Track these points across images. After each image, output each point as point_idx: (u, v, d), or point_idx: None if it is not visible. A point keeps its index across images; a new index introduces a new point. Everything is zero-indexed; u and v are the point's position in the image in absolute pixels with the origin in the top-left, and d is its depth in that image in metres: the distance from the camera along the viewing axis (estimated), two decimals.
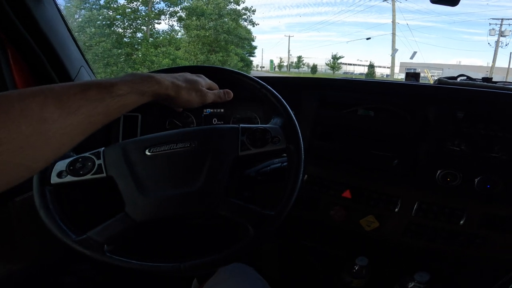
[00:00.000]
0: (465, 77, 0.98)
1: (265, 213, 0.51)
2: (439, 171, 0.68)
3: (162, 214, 0.53)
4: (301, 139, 0.54)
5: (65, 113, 0.32)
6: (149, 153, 0.53)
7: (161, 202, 0.53)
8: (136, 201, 0.53)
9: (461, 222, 0.66)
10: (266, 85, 0.57)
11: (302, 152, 0.53)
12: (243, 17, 12.66)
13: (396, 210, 0.71)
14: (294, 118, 0.55)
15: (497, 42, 15.77)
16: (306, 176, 0.80)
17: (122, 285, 1.00)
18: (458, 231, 0.67)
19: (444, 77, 0.93)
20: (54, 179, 0.53)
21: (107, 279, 1.00)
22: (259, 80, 0.58)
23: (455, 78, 0.97)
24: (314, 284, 1.00)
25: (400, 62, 23.21)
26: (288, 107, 0.55)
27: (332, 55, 22.13)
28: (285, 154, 0.56)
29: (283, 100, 0.56)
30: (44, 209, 0.51)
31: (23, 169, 0.30)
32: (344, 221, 0.74)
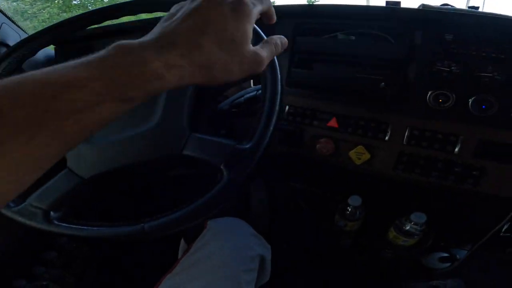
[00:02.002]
0: (449, 6, 0.89)
1: (239, 148, 0.43)
2: (429, 92, 0.60)
3: (113, 165, 0.44)
4: (277, 61, 0.45)
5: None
6: None
7: (110, 150, 0.44)
8: (79, 151, 0.44)
9: (456, 149, 0.60)
10: None
11: (278, 74, 0.45)
12: None
13: (387, 138, 0.64)
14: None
15: None
16: (287, 107, 0.72)
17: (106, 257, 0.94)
18: (453, 162, 0.61)
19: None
20: None
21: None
22: None
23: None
24: (308, 232, 0.96)
25: None
26: (260, 31, 0.46)
27: None
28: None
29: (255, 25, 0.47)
30: None
31: None
32: (332, 154, 0.67)
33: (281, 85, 0.45)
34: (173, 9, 0.32)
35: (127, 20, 0.76)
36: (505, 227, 0.92)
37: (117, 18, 0.52)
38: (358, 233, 0.87)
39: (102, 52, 0.25)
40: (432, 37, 0.62)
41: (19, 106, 0.20)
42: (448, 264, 0.86)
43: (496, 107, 0.57)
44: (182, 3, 0.32)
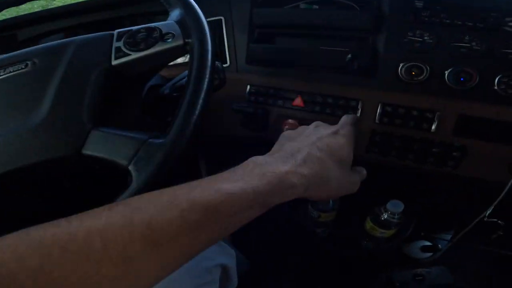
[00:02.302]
0: None
1: (152, 143, 0.35)
2: (401, 65, 0.54)
3: None
4: (208, 30, 0.39)
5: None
6: None
7: None
8: None
9: (433, 127, 0.54)
10: None
11: (209, 47, 0.38)
12: None
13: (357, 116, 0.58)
14: (195, 5, 0.41)
15: None
16: (248, 87, 0.65)
17: None
18: (431, 141, 0.55)
19: None
20: None
21: None
22: None
23: None
24: (279, 226, 0.89)
25: None
26: None
27: None
28: None
29: None
30: None
31: None
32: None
33: (211, 60, 0.37)
34: (294, 133, 0.40)
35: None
36: (488, 211, 0.88)
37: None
38: (335, 224, 0.80)
39: (243, 166, 0.31)
40: (401, 4, 0.56)
41: (195, 211, 0.25)
42: (430, 254, 0.81)
43: (476, 78, 0.51)
44: (303, 127, 0.42)
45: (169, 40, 0.39)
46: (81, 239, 0.22)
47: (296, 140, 0.37)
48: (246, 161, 0.32)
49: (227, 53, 0.67)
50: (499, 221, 0.98)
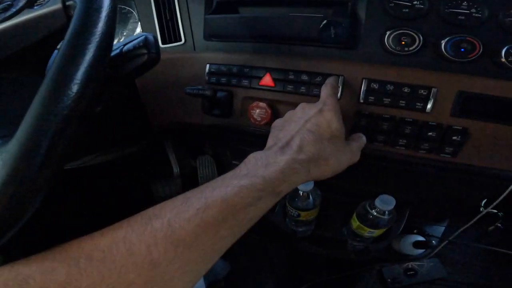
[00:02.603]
0: None
1: None
2: (388, 33, 0.44)
3: None
4: None
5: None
6: None
7: None
8: None
9: (428, 106, 0.45)
10: None
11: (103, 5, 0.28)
12: None
13: (338, 96, 0.48)
14: None
15: None
16: (208, 66, 0.54)
17: None
18: (426, 124, 0.46)
19: None
20: None
21: None
22: None
23: None
24: (258, 226, 0.79)
25: None
26: None
27: None
28: None
29: None
30: None
31: None
32: (269, 122, 0.49)
33: (105, 27, 0.27)
34: (283, 121, 0.42)
35: None
36: (484, 201, 0.81)
37: None
38: (318, 223, 0.71)
39: (245, 162, 0.33)
40: None
41: (210, 207, 0.26)
42: (423, 251, 0.73)
43: (480, 49, 0.42)
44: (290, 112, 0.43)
45: (45, 4, 0.29)
46: (106, 246, 0.22)
47: (287, 128, 0.39)
48: (247, 158, 0.34)
49: (181, 28, 0.57)
50: (498, 213, 0.92)
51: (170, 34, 0.58)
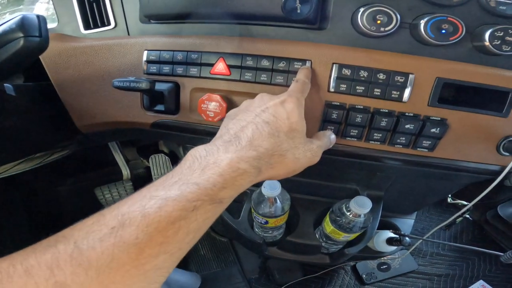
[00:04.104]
0: None
1: None
2: (361, 10, 0.38)
3: None
4: None
5: None
6: None
7: None
8: None
9: (405, 95, 0.40)
10: None
11: None
12: None
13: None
14: None
15: None
16: (145, 53, 0.44)
17: None
18: (402, 115, 0.41)
19: None
20: None
21: None
22: None
23: None
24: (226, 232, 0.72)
25: None
26: None
27: None
28: None
29: None
30: None
31: None
32: (224, 118, 0.41)
33: None
34: (238, 110, 0.36)
35: None
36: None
37: None
38: (289, 228, 0.65)
39: (181, 163, 0.28)
40: None
41: (126, 225, 0.23)
42: (395, 248, 0.69)
43: (462, 31, 0.37)
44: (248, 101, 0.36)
45: None
46: (3, 268, 0.21)
47: (240, 117, 0.33)
48: (185, 156, 0.29)
49: (109, 9, 0.46)
50: (465, 203, 0.92)
51: (95, 17, 0.47)
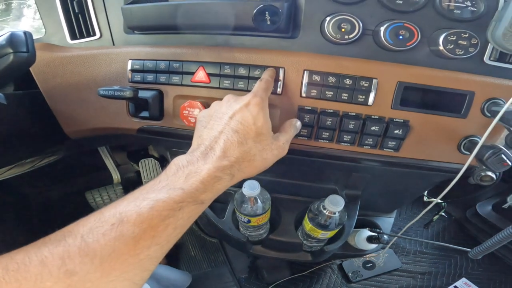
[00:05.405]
0: None
1: None
2: (328, 19, 0.41)
3: None
4: None
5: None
6: None
7: None
8: None
9: (370, 99, 0.43)
10: None
11: None
12: None
13: (279, 90, 0.44)
14: None
15: None
16: (130, 63, 0.47)
17: None
18: (368, 118, 0.44)
19: None
20: None
21: None
22: None
23: None
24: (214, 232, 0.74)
25: None
26: None
27: None
28: None
29: None
30: None
31: None
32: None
33: None
34: (208, 116, 0.39)
35: None
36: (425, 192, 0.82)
37: None
38: (272, 226, 0.67)
39: (166, 171, 0.33)
40: None
41: (124, 222, 0.27)
42: (376, 245, 0.72)
43: (418, 36, 0.40)
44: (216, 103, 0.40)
45: None
46: (19, 259, 0.24)
47: (211, 126, 0.37)
48: (169, 164, 0.33)
49: (94, 21, 0.49)
50: (442, 203, 0.96)
51: (80, 27, 0.49)
